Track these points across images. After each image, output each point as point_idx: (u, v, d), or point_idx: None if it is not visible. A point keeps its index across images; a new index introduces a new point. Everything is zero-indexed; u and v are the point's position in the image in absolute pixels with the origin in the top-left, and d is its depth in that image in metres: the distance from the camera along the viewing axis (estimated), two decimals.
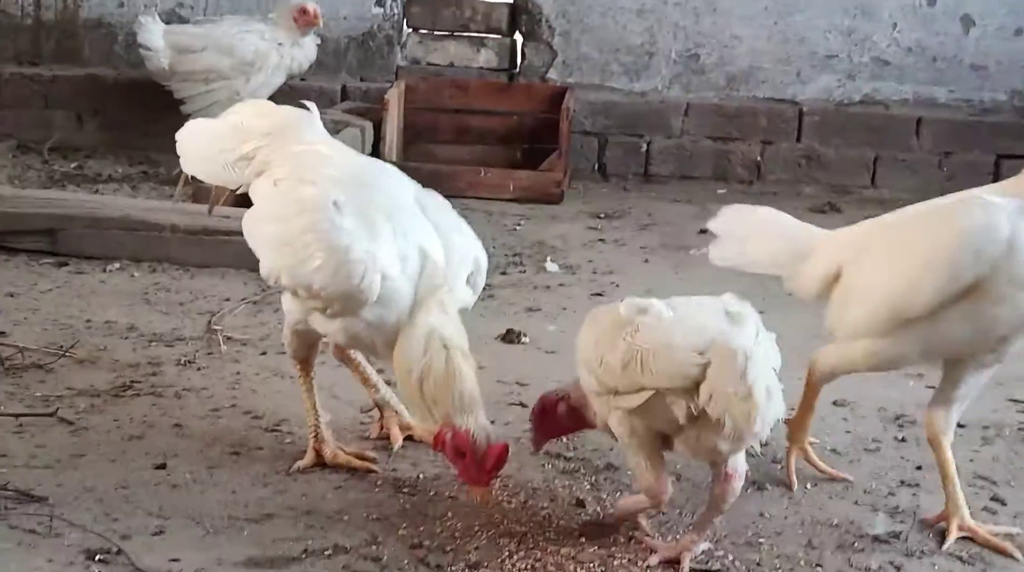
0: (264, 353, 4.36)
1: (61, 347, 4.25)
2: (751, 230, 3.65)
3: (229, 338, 4.46)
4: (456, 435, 3.16)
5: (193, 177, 3.75)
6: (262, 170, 3.47)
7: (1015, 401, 4.28)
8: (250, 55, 6.50)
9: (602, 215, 6.40)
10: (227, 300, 4.86)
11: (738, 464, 3.03)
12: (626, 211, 6.51)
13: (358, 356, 3.73)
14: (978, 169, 7.07)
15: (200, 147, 3.65)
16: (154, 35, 6.53)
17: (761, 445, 3.12)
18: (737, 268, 3.66)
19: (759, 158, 7.16)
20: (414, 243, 3.26)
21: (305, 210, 3.29)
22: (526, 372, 4.31)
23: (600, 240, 5.99)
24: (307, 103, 3.68)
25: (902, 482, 3.62)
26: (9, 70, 7.12)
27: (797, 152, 7.15)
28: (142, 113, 6.95)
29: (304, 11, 6.53)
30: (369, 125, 6.65)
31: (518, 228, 6.15)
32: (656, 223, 6.33)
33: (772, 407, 2.86)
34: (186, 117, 6.52)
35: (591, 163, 7.16)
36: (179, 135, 3.73)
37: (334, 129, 6.34)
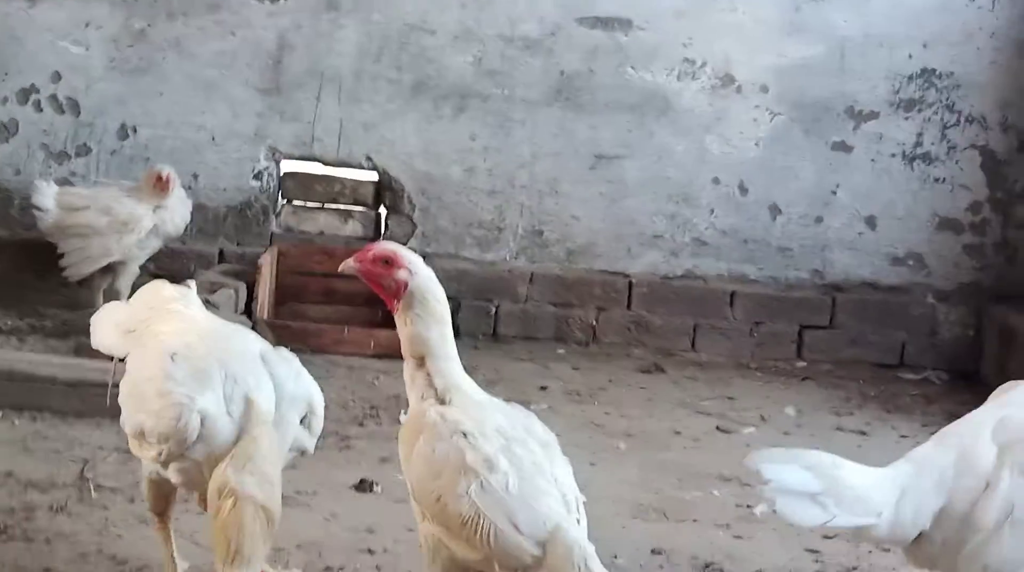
0: (132, 500, 4.23)
1: None
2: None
3: (100, 486, 4.34)
4: None
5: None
6: (136, 341, 3.49)
7: (811, 551, 4.35)
8: (124, 215, 6.45)
9: None
10: (100, 448, 4.74)
11: None
12: (476, 368, 6.50)
13: None
14: (783, 338, 7.29)
15: (105, 324, 3.72)
16: (46, 197, 6.46)
17: None
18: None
19: (594, 323, 7.28)
20: (241, 389, 3.28)
21: (147, 363, 3.37)
22: (377, 520, 4.27)
23: None
24: (189, 282, 3.75)
25: None
26: None
27: (627, 318, 7.28)
28: (32, 271, 6.83)
29: (159, 178, 6.49)
30: (243, 286, 6.63)
31: (376, 382, 6.13)
32: (503, 379, 6.36)
33: None
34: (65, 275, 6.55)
35: None
36: (93, 316, 3.80)
37: (211, 289, 6.33)
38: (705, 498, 4.81)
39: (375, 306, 7.11)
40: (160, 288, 3.75)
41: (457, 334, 7.30)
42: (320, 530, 4.09)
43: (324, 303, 7.10)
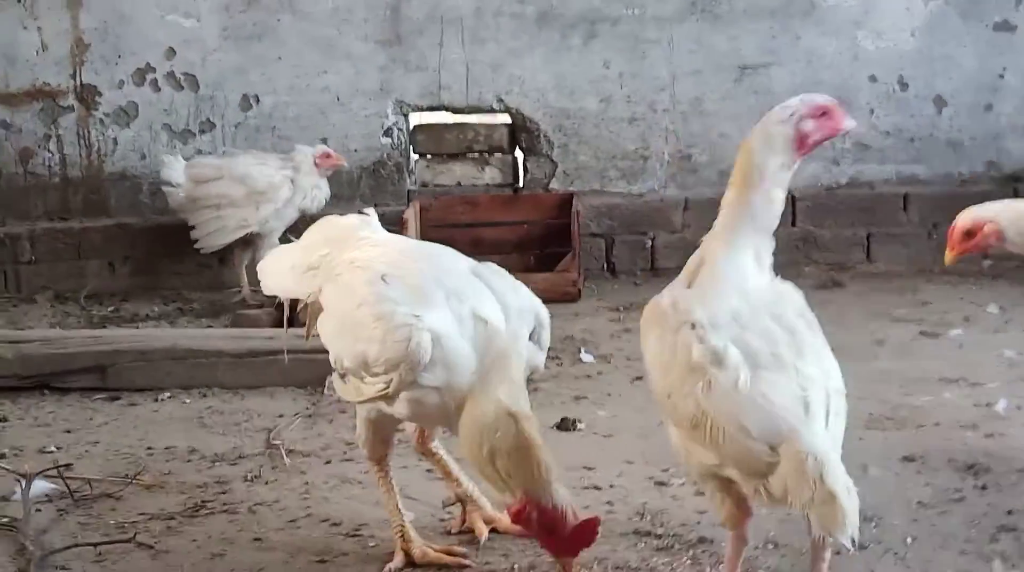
0: (328, 462, 3.97)
1: (127, 475, 3.85)
2: None
3: (291, 451, 4.07)
4: (543, 511, 2.76)
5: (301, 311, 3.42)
6: (327, 275, 3.17)
7: None
8: (262, 185, 6.18)
9: (620, 308, 6.07)
10: (281, 416, 4.48)
11: None
12: (641, 303, 6.09)
13: (439, 449, 3.37)
14: None
15: (276, 268, 3.43)
16: (176, 171, 6.23)
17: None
18: None
19: None
20: (469, 307, 2.96)
21: (356, 291, 3.04)
22: (590, 457, 3.95)
23: (625, 330, 5.63)
24: (367, 210, 3.41)
25: (1000, 527, 3.24)
26: (41, 226, 6.77)
27: (794, 236, 6.84)
28: (170, 256, 6.63)
29: (328, 155, 6.28)
30: None
31: None
32: None
33: (854, 502, 2.37)
34: (205, 253, 6.29)
35: (600, 262, 6.85)
36: (260, 264, 3.55)
37: None
38: (937, 402, 4.42)
39: (525, 253, 6.80)
40: (336, 221, 3.44)
41: (613, 272, 7.03)
42: None
43: (472, 254, 6.70)
